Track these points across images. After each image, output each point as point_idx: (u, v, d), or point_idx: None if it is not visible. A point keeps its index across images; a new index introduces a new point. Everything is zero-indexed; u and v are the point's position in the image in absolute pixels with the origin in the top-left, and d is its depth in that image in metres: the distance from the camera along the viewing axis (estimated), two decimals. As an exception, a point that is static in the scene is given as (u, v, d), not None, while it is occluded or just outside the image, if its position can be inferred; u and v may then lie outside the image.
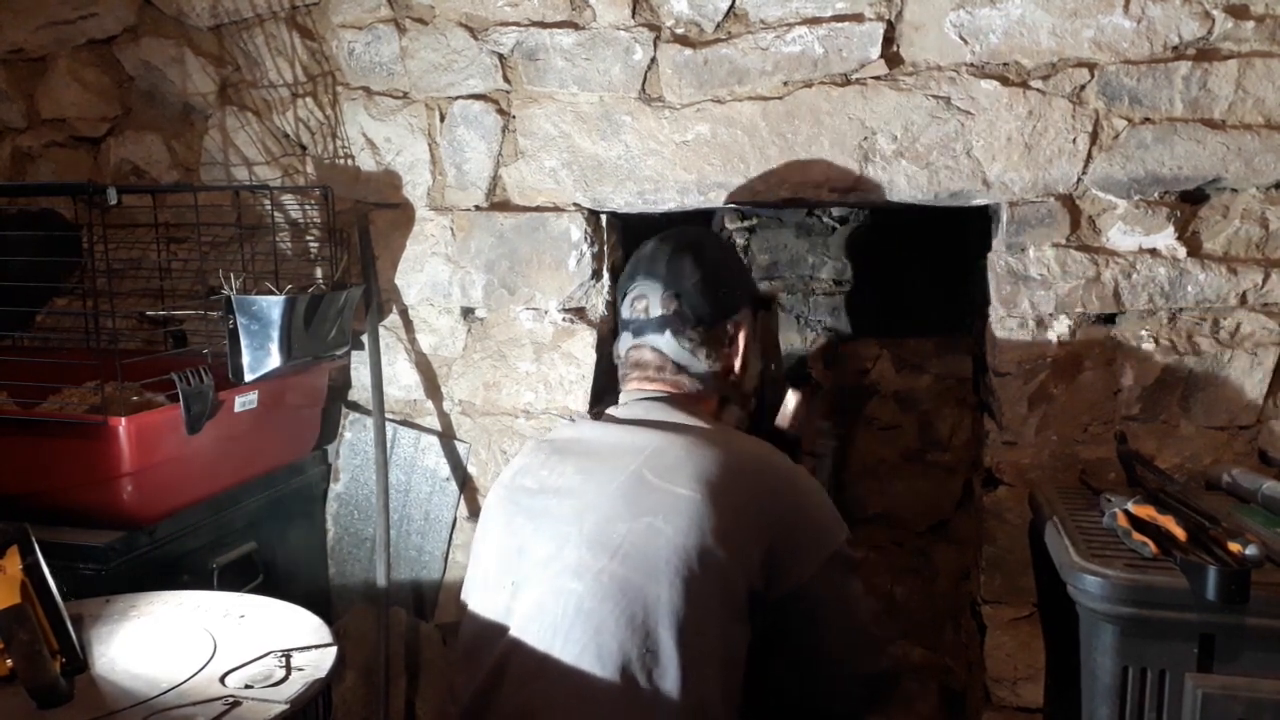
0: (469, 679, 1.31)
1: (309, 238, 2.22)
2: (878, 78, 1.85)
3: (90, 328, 1.76)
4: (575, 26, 1.98)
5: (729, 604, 1.23)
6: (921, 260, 2.47)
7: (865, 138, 1.86)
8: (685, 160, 1.95)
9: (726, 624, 1.23)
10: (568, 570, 1.26)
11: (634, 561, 1.23)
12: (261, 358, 1.80)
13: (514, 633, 1.28)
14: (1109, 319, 1.83)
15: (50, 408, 1.86)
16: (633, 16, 1.95)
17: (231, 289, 1.79)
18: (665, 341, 1.47)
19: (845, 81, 1.87)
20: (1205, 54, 1.73)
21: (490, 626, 1.31)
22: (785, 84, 1.89)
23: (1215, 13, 1.71)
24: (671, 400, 1.45)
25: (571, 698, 1.21)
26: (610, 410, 1.48)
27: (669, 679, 1.19)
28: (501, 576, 1.33)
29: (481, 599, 1.36)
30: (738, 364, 1.51)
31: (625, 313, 1.54)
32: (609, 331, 2.09)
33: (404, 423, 2.20)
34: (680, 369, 1.47)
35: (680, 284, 1.48)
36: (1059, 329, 1.83)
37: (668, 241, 1.54)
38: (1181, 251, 1.78)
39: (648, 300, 1.50)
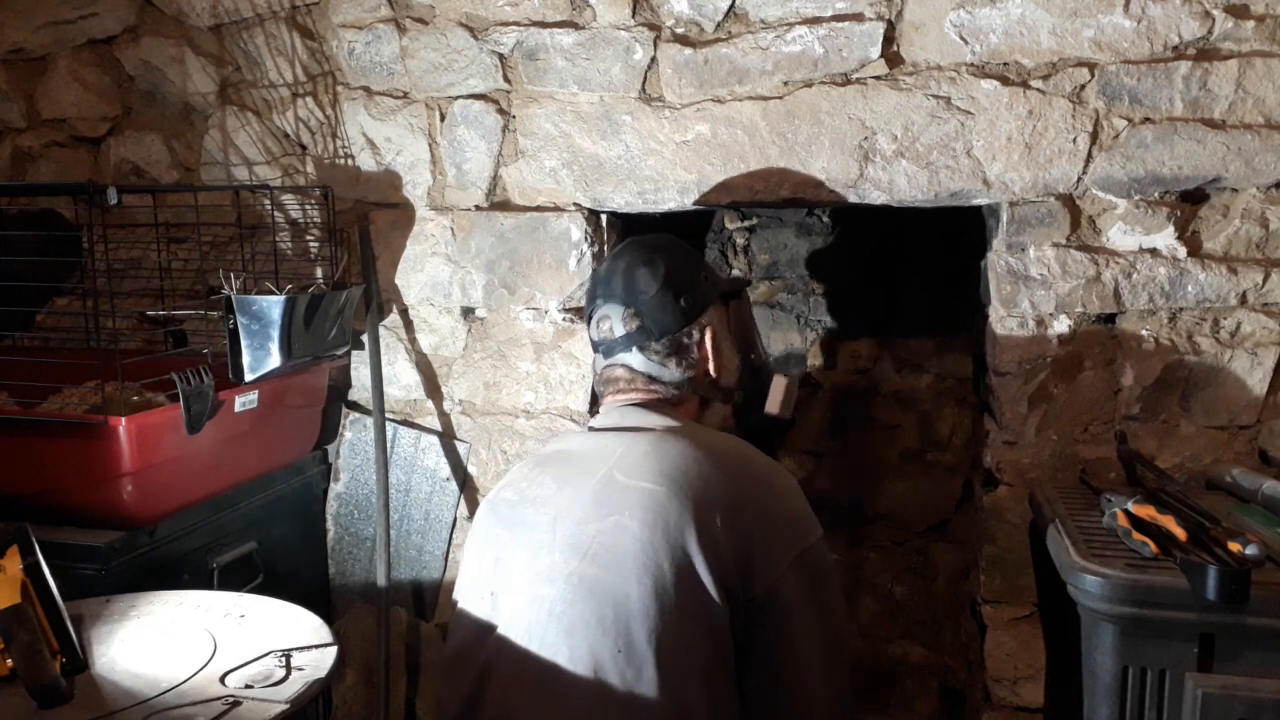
0: (454, 691, 1.31)
1: (309, 238, 2.22)
2: (878, 77, 1.85)
3: (90, 328, 1.76)
4: (575, 26, 1.98)
5: (705, 602, 1.20)
6: (921, 260, 2.47)
7: (865, 138, 1.86)
8: (685, 160, 1.95)
9: (705, 623, 1.20)
10: (542, 576, 1.25)
11: (603, 561, 1.22)
12: (261, 358, 1.80)
13: (495, 642, 1.27)
14: (1109, 319, 1.83)
15: (50, 408, 1.86)
16: (633, 16, 1.95)
17: (231, 289, 1.79)
18: (633, 358, 1.48)
19: (845, 81, 1.87)
20: (1205, 54, 1.73)
21: (473, 637, 1.31)
22: (785, 84, 1.89)
23: (1215, 12, 1.71)
24: (647, 405, 1.45)
25: (547, 701, 1.20)
26: (592, 421, 1.48)
27: (644, 679, 1.17)
28: (481, 588, 1.33)
29: (463, 612, 1.35)
30: (711, 366, 1.50)
31: (593, 334, 1.54)
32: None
33: (404, 422, 2.20)
34: (652, 379, 1.47)
35: (638, 301, 1.48)
36: (1059, 329, 1.83)
37: (621, 258, 1.53)
38: (1182, 251, 1.78)
39: (610, 320, 1.50)
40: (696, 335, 1.49)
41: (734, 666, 1.23)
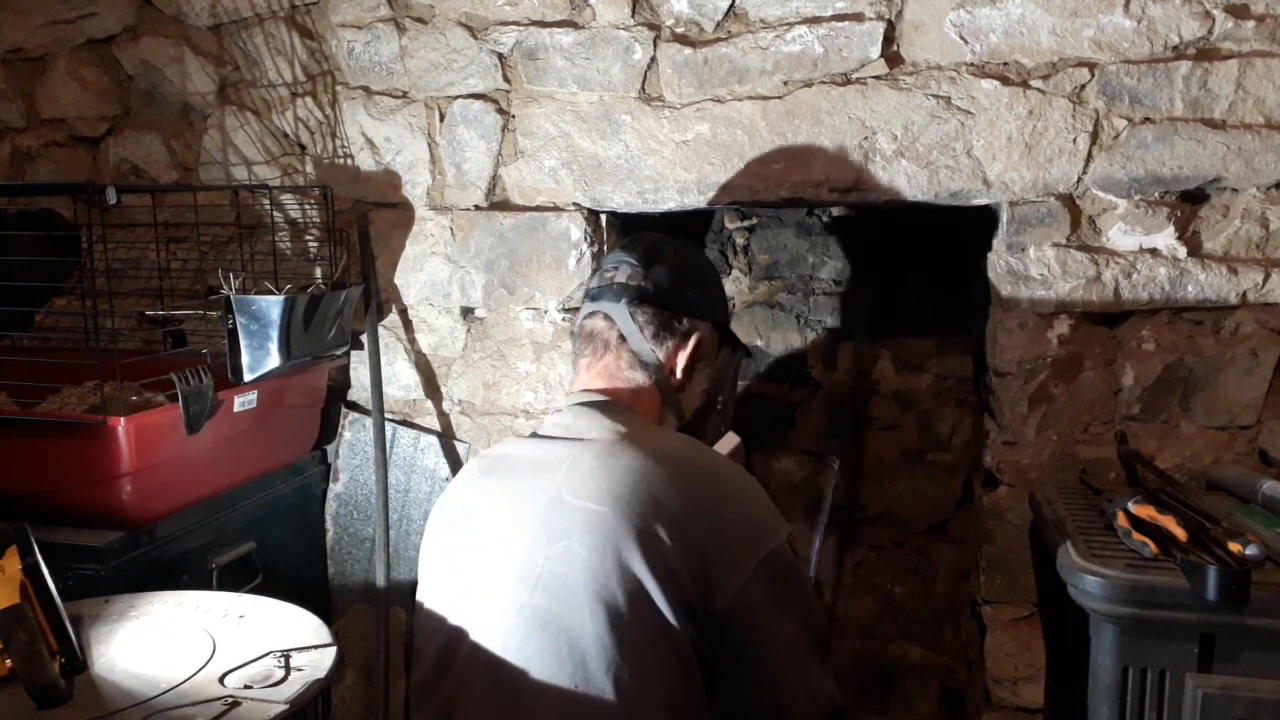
0: None
1: (308, 237, 2.22)
2: (878, 77, 1.85)
3: (90, 328, 1.76)
4: (575, 26, 1.98)
5: (664, 627, 1.13)
6: (922, 260, 2.47)
7: (865, 137, 1.86)
8: (685, 160, 1.95)
9: (665, 649, 1.14)
10: (496, 610, 1.21)
11: (553, 592, 1.16)
12: (261, 358, 1.80)
13: (456, 675, 1.23)
14: (1109, 319, 1.83)
15: (50, 408, 1.86)
16: (632, 16, 1.94)
17: (231, 289, 1.79)
18: (618, 310, 1.40)
19: (845, 81, 1.86)
20: (1205, 54, 1.73)
21: (434, 672, 1.26)
22: (785, 83, 1.89)
23: (1215, 12, 1.71)
24: (605, 406, 1.35)
25: None
26: (543, 425, 1.39)
27: (605, 713, 1.12)
28: (438, 617, 1.29)
29: (424, 638, 1.31)
30: (680, 365, 1.42)
31: (592, 283, 1.47)
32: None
33: (404, 423, 2.20)
34: (623, 341, 1.40)
35: (653, 265, 1.43)
36: (1059, 329, 1.83)
37: (657, 234, 1.50)
38: (1182, 251, 1.78)
39: (618, 272, 1.43)
40: (684, 328, 1.42)
41: (703, 686, 1.17)
